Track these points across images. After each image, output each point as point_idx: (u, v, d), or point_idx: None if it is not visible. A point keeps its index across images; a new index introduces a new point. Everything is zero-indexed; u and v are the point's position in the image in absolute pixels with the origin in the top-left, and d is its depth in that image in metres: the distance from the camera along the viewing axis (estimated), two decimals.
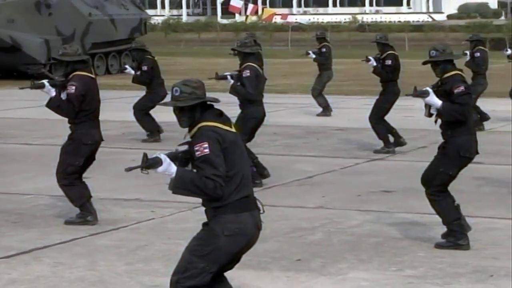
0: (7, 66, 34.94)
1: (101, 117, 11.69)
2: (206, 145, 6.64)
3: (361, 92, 28.13)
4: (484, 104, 21.39)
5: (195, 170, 6.76)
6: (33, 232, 11.23)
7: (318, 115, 23.47)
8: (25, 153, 17.49)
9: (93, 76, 11.56)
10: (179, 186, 6.74)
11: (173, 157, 6.79)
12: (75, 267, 9.65)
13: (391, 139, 17.26)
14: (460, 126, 10.24)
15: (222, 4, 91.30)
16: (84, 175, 11.80)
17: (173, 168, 6.71)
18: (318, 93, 23.54)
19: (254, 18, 78.34)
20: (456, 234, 10.33)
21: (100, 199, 12.64)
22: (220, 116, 6.85)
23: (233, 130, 6.85)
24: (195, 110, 6.83)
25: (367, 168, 16.01)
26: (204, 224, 6.98)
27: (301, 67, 34.76)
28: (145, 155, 6.73)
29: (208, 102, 6.88)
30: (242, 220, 6.83)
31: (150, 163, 6.70)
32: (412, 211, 12.09)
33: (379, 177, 14.81)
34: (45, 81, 11.46)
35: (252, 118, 13.94)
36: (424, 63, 10.57)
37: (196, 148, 6.68)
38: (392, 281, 9.17)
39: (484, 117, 20.54)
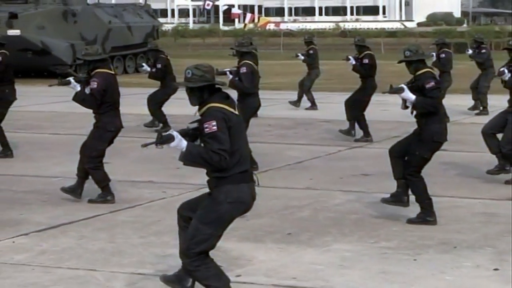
0: (38, 67, 34.92)
1: (124, 110, 11.67)
2: (215, 123, 6.61)
3: (344, 89, 28.02)
4: (449, 99, 21.35)
5: (202, 145, 6.72)
6: (60, 209, 11.21)
7: (307, 108, 23.47)
8: (54, 142, 17.46)
9: (112, 72, 11.56)
10: (188, 158, 6.69)
11: (184, 133, 6.75)
12: (97, 240, 9.64)
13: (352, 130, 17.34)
14: (432, 116, 10.28)
15: (223, 13, 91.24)
16: (104, 160, 11.78)
17: (184, 143, 6.66)
18: (307, 90, 23.55)
19: (251, 25, 78.36)
20: (425, 212, 10.34)
21: (119, 181, 12.62)
22: (227, 99, 6.82)
23: (237, 112, 6.83)
24: (203, 91, 6.80)
25: (348, 154, 16.01)
26: (208, 194, 6.94)
27: (291, 68, 34.72)
28: (159, 132, 6.72)
29: (216, 86, 6.87)
30: (242, 190, 6.80)
31: (163, 139, 6.65)
32: (387, 191, 12.03)
33: (359, 162, 14.80)
34: (71, 78, 11.48)
35: (250, 108, 13.90)
36: (399, 62, 10.56)
37: (206, 126, 6.63)
38: (370, 252, 9.16)
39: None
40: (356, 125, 17.32)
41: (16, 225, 10.35)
